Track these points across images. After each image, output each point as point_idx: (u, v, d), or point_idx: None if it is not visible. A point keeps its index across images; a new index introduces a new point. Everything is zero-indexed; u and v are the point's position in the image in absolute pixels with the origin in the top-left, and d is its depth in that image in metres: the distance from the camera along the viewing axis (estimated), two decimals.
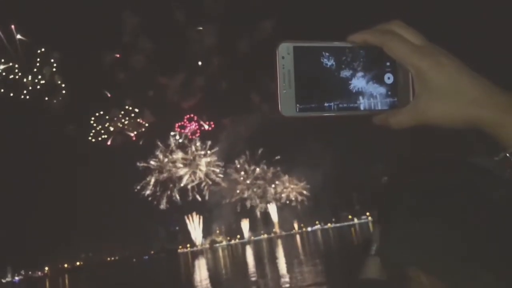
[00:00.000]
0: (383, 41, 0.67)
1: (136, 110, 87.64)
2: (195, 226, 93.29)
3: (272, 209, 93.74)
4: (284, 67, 0.67)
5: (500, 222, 0.68)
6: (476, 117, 0.63)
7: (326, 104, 0.68)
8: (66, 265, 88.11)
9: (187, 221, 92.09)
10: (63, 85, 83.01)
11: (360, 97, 0.68)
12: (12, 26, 75.79)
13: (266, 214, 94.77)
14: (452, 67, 0.64)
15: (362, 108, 0.69)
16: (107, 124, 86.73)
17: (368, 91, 0.69)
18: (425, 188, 0.72)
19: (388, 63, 0.69)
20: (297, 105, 0.67)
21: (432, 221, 0.69)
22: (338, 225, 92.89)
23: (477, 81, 0.64)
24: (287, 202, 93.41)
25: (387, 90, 0.69)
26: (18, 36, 76.88)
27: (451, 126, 0.65)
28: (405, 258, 0.71)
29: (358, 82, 0.68)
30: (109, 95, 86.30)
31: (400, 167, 0.79)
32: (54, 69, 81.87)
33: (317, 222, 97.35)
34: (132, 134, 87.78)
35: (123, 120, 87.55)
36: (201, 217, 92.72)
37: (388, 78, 0.69)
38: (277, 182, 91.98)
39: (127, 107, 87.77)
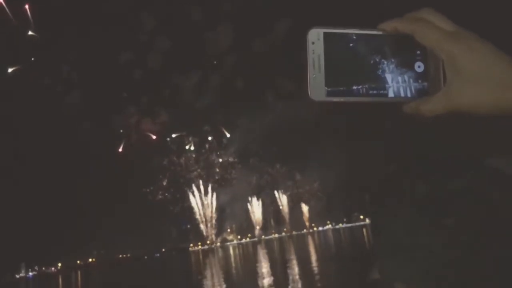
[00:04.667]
0: (414, 29, 0.66)
1: (153, 111, 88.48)
2: (204, 197, 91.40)
3: (284, 209, 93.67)
4: (314, 52, 0.68)
5: (507, 245, 0.62)
6: (509, 102, 0.62)
7: (355, 90, 0.68)
8: (78, 262, 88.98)
9: (190, 196, 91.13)
10: (80, 85, 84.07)
11: (390, 85, 0.69)
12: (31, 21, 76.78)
13: (277, 214, 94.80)
14: (484, 52, 0.63)
15: (391, 95, 0.69)
16: (123, 124, 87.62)
17: (398, 79, 0.69)
18: (423, 200, 0.68)
19: (418, 52, 0.69)
20: (326, 89, 0.68)
21: (426, 240, 0.66)
22: (349, 225, 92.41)
23: (510, 65, 0.62)
24: (299, 202, 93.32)
25: (417, 79, 0.69)
26: (31, 33, 77.88)
27: (483, 113, 0.64)
28: (393, 272, 0.70)
29: (388, 70, 0.69)
30: (125, 94, 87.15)
31: (399, 172, 0.74)
32: (71, 69, 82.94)
33: (328, 222, 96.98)
34: (152, 135, 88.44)
35: (140, 120, 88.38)
36: (214, 193, 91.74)
37: (419, 66, 0.69)
38: (289, 183, 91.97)
39: (143, 107, 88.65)
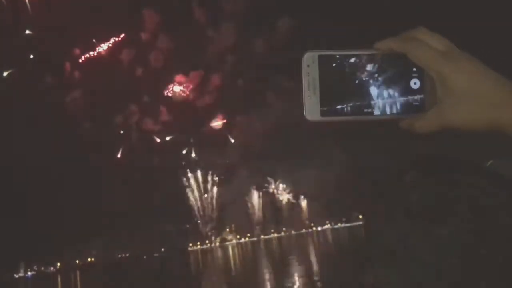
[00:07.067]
0: (406, 48, 0.68)
1: (154, 111, 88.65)
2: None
3: (283, 208, 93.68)
4: (309, 75, 0.69)
5: (504, 257, 0.60)
6: (498, 120, 0.63)
7: (351, 110, 0.69)
8: (77, 261, 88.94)
9: (190, 196, 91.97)
10: (81, 84, 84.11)
11: (386, 103, 0.69)
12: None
13: (277, 213, 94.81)
14: (474, 71, 0.65)
15: (387, 112, 0.69)
16: (123, 124, 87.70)
17: (394, 97, 0.69)
18: (417, 207, 0.66)
19: (414, 69, 0.69)
20: (322, 110, 0.69)
21: (419, 248, 0.63)
22: (348, 225, 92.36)
23: (500, 84, 0.64)
24: (298, 201, 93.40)
25: (413, 96, 0.69)
26: (27, 32, 77.77)
27: (475, 130, 0.65)
28: (385, 279, 0.68)
29: (384, 88, 0.69)
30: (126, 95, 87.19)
31: (394, 176, 0.73)
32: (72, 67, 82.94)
33: (327, 222, 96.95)
34: (152, 136, 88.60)
35: (141, 120, 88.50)
36: (214, 193, 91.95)
37: (414, 83, 0.69)
38: (289, 183, 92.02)
39: (144, 107, 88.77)
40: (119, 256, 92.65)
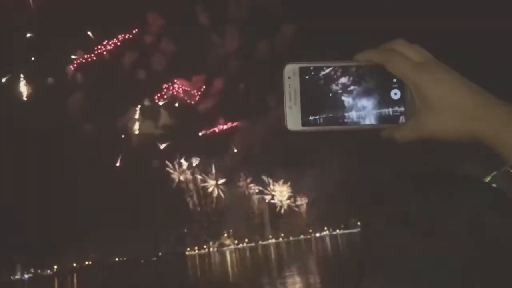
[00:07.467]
0: (385, 60, 0.69)
1: (155, 114, 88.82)
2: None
3: (282, 214, 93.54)
4: (290, 86, 0.71)
5: (502, 275, 0.58)
6: (474, 131, 0.64)
7: (332, 120, 0.70)
8: (74, 264, 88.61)
9: (189, 200, 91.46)
10: (82, 86, 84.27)
11: (367, 113, 0.70)
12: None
13: (275, 219, 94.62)
14: (450, 82, 0.65)
15: (368, 122, 0.70)
16: (124, 126, 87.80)
17: (375, 107, 0.70)
18: (414, 219, 0.64)
19: (394, 80, 0.71)
20: (303, 120, 0.71)
21: (416, 261, 0.62)
22: (347, 231, 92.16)
23: (475, 95, 0.64)
24: (297, 207, 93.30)
25: (394, 106, 0.71)
26: (29, 34, 77.91)
27: (452, 140, 0.66)
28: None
29: (365, 99, 0.70)
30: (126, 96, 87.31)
31: (392, 185, 0.71)
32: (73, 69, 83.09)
33: (325, 228, 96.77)
34: (153, 139, 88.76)
35: (142, 123, 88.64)
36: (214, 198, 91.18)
37: (395, 93, 0.71)
38: (287, 188, 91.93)
39: (145, 110, 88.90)
40: (116, 259, 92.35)
